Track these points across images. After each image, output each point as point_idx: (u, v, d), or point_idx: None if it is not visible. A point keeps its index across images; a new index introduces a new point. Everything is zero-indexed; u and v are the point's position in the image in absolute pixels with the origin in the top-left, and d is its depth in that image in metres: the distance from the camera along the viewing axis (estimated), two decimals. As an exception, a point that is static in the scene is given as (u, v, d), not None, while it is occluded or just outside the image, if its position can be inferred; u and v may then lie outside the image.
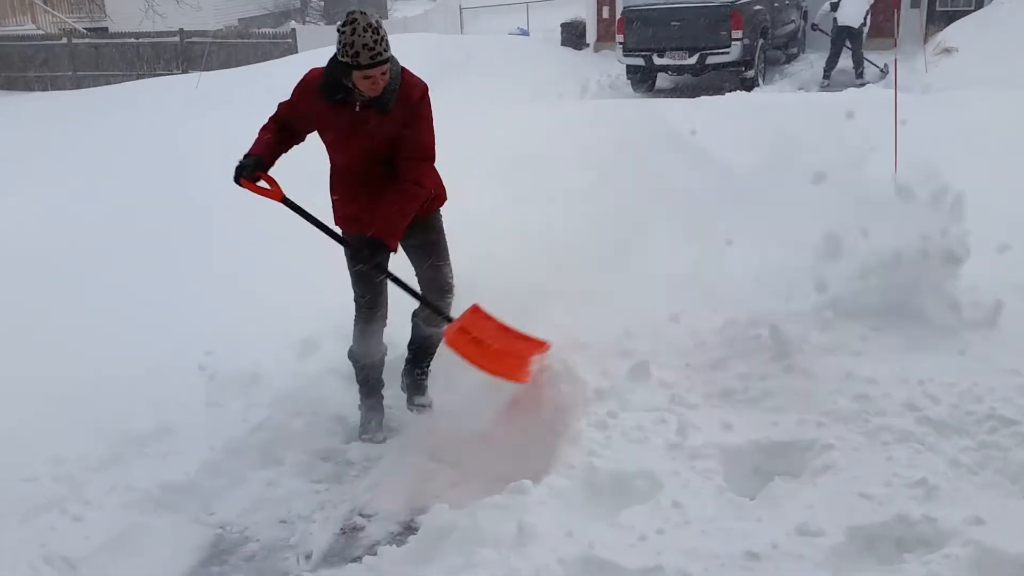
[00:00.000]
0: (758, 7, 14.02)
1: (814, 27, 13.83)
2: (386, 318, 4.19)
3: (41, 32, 24.80)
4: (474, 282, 4.24)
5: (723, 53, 13.58)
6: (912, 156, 4.78)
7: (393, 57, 3.57)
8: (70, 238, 5.75)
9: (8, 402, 3.99)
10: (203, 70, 16.05)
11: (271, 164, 3.86)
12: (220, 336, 4.70)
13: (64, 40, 22.87)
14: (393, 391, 4.48)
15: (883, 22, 14.55)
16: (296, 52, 19.34)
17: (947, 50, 13.06)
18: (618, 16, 15.16)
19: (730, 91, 11.90)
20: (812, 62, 16.03)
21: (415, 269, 4.12)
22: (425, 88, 3.78)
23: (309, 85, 3.74)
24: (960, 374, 3.69)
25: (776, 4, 14.89)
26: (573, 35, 18.92)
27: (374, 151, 3.75)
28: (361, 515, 3.73)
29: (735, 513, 3.12)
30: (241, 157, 3.78)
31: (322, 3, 30.08)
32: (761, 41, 14.11)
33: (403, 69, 3.71)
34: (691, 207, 5.66)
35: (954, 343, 3.96)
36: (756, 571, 2.82)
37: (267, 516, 3.74)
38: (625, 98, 14.26)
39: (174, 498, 3.70)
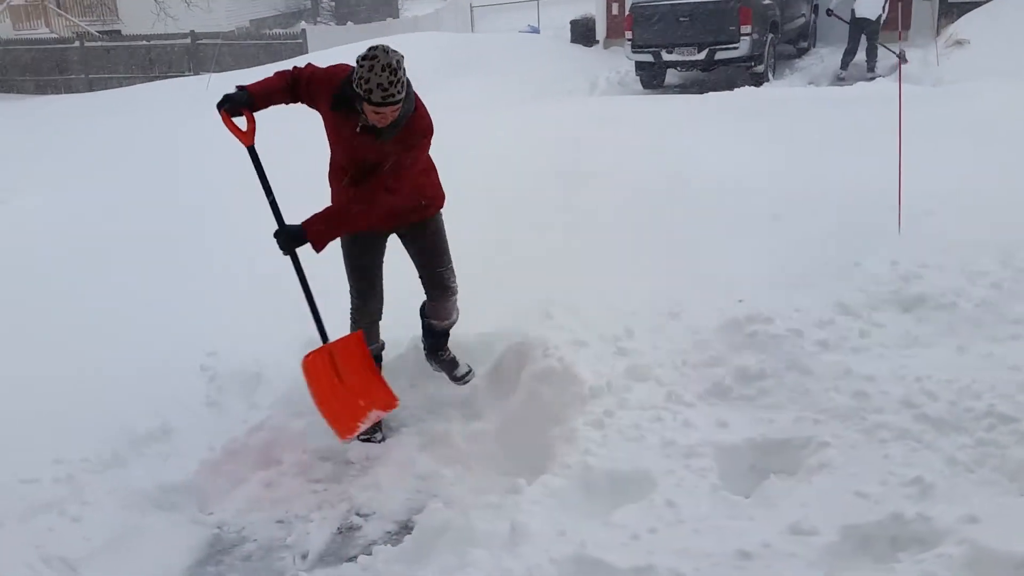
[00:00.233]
0: (767, 1, 13.92)
1: (829, 13, 13.69)
2: (381, 312, 4.21)
3: (54, 35, 25.00)
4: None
5: (732, 48, 13.48)
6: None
7: (409, 96, 3.56)
8: (71, 238, 5.79)
9: (9, 403, 4.01)
10: (213, 71, 16.14)
11: (262, 107, 3.84)
12: (222, 336, 4.72)
13: (76, 43, 23.04)
14: (393, 390, 4.48)
15: (895, 16, 14.42)
16: (306, 52, 19.42)
17: (959, 42, 12.93)
18: (627, 12, 15.09)
19: (740, 86, 11.86)
20: (823, 56, 15.89)
21: (417, 270, 4.14)
22: (428, 129, 3.75)
23: (330, 82, 3.70)
24: (959, 371, 3.66)
25: (786, -2, 14.79)
26: (582, 32, 18.88)
27: (364, 162, 3.75)
28: (359, 515, 3.73)
29: (729, 512, 3.11)
30: (235, 87, 3.80)
31: (333, 3, 30.15)
32: (771, 36, 14.00)
33: (417, 107, 3.67)
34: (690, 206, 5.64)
35: (954, 339, 3.92)
36: (748, 570, 2.82)
37: (265, 516, 3.74)
38: (634, 95, 14.22)
39: (172, 498, 3.71)
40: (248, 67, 17.25)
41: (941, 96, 8.84)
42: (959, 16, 14.42)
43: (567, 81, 15.29)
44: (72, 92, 20.34)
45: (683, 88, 14.73)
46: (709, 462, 3.37)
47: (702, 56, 13.78)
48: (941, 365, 3.71)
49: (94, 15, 26.55)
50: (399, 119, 3.55)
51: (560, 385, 3.98)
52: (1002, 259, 4.44)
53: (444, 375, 4.40)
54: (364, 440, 4.22)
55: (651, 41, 14.05)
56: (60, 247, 5.73)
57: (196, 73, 19.24)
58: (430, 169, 3.99)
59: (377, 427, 4.27)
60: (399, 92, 3.41)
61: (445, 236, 4.11)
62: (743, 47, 13.42)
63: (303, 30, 22.47)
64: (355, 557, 3.37)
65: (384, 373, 4.33)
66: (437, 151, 3.95)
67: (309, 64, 3.90)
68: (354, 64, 3.49)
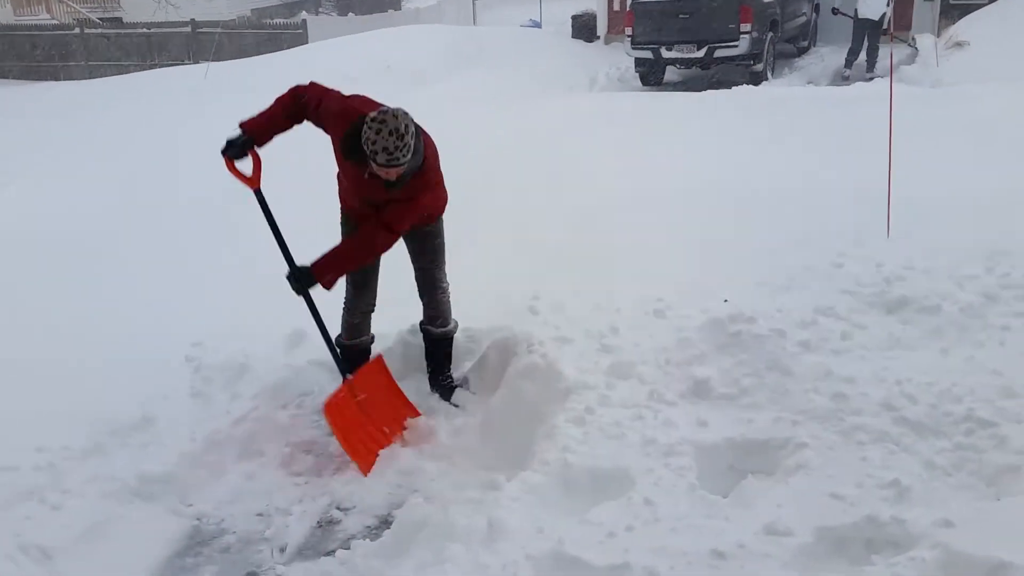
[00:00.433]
0: (768, 0, 13.90)
1: (835, 11, 13.68)
2: (374, 306, 4.23)
3: (55, 22, 24.95)
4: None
5: (731, 46, 13.46)
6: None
7: (418, 151, 3.57)
8: (58, 231, 5.80)
9: (-7, 391, 4.02)
10: (213, 60, 16.11)
11: (266, 142, 3.84)
12: (209, 327, 4.73)
13: (77, 30, 23.00)
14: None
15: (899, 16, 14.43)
16: (307, 42, 19.37)
17: (959, 44, 12.90)
18: (627, 9, 15.06)
19: (738, 85, 11.85)
20: (823, 56, 15.86)
21: (413, 265, 4.19)
22: (434, 184, 3.82)
23: (344, 117, 3.66)
24: (940, 374, 3.65)
25: (786, -3, 14.76)
26: (584, 27, 18.84)
27: (371, 199, 3.79)
28: (339, 508, 3.73)
29: (706, 511, 3.11)
30: (237, 128, 3.79)
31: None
32: (771, 34, 13.97)
33: (424, 161, 3.68)
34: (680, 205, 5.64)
35: (937, 343, 3.92)
36: (722, 570, 2.82)
37: (245, 508, 3.74)
38: (633, 91, 14.20)
39: (152, 489, 3.70)
40: (248, 56, 17.23)
41: (940, 98, 8.86)
42: (960, 17, 14.39)
43: (567, 76, 15.26)
44: (72, 79, 20.31)
45: (682, 85, 14.71)
46: (688, 461, 3.37)
47: (701, 54, 13.76)
48: (922, 368, 3.71)
49: (95, 2, 26.51)
50: (405, 174, 3.59)
51: (543, 381, 3.99)
52: (989, 264, 4.44)
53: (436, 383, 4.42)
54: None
55: (651, 38, 14.03)
56: (49, 237, 5.74)
57: (196, 61, 19.18)
58: (437, 185, 3.95)
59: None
60: (404, 156, 3.46)
61: (443, 238, 4.16)
62: (742, 45, 13.40)
63: (304, 20, 22.41)
64: (334, 551, 3.37)
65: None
66: (439, 146, 3.93)
67: (313, 84, 3.87)
68: (366, 108, 3.55)
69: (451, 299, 4.28)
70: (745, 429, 3.52)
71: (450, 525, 3.19)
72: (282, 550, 3.48)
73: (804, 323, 4.06)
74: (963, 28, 13.54)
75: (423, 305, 4.27)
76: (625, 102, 10.79)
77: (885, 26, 13.30)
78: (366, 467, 3.89)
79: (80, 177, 7.07)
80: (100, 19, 25.14)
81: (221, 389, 4.37)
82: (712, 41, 13.55)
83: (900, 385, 3.59)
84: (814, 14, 16.65)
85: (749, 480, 3.24)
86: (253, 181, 3.84)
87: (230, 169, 3.80)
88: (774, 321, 4.04)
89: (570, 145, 7.63)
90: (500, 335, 4.38)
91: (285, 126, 3.86)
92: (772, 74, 14.24)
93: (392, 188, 3.63)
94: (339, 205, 4.09)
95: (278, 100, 3.85)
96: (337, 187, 4.05)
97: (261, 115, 3.83)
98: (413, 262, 4.18)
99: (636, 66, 14.86)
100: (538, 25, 22.52)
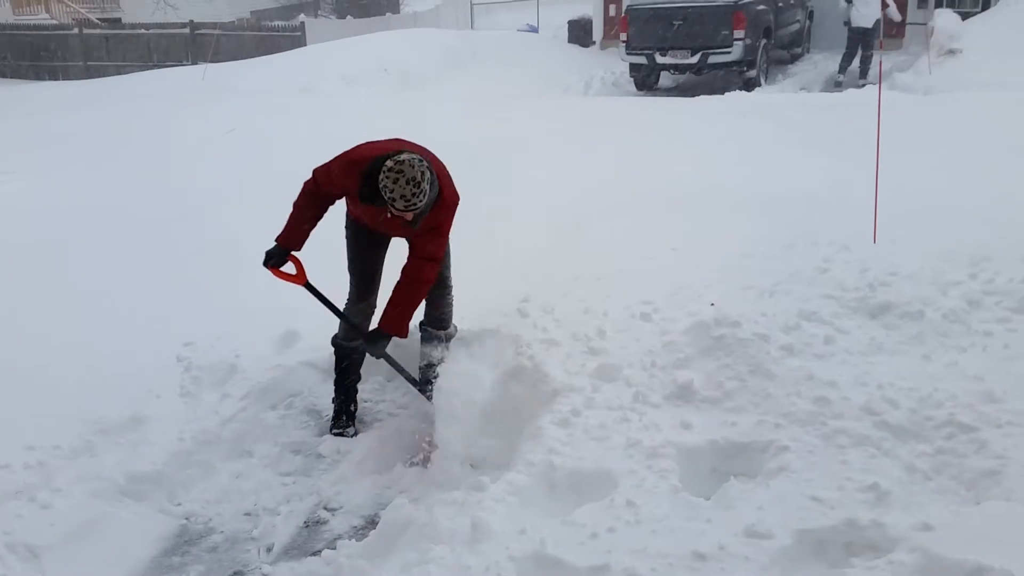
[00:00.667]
0: (761, 7, 13.95)
1: (847, 24, 13.80)
2: (374, 308, 4.24)
3: (54, 22, 24.96)
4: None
5: (725, 53, 13.53)
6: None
7: (434, 184, 3.65)
8: (51, 229, 5.82)
9: (-16, 390, 4.04)
10: (211, 61, 16.13)
11: (300, 244, 4.03)
12: (201, 327, 4.75)
13: (76, 30, 23.01)
14: (369, 386, 4.52)
15: (891, 25, 14.47)
16: (305, 45, 19.41)
17: (952, 51, 12.94)
18: (622, 14, 15.12)
19: (731, 91, 11.90)
20: (816, 62, 15.93)
21: None
22: (454, 205, 3.88)
23: (354, 166, 3.76)
24: (922, 379, 3.69)
25: (780, 4, 14.80)
26: (580, 32, 18.92)
27: (394, 234, 3.96)
28: (326, 508, 3.76)
29: (687, 513, 3.14)
30: (274, 241, 3.98)
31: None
32: (764, 41, 14.04)
33: (441, 190, 3.75)
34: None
35: (919, 348, 3.95)
36: (702, 572, 2.85)
37: (233, 508, 3.78)
38: (627, 96, 14.26)
39: (141, 488, 3.73)
40: (245, 58, 17.25)
41: (932, 105, 8.91)
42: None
43: (562, 80, 15.36)
44: (70, 79, 20.32)
45: (676, 91, 14.77)
46: (671, 463, 3.39)
47: (695, 60, 13.82)
48: (904, 373, 3.74)
49: (94, 2, 26.52)
50: (424, 209, 3.67)
51: (530, 383, 4.02)
52: (973, 271, 4.47)
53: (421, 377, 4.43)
54: (336, 434, 4.26)
55: (645, 43, 14.09)
56: (42, 235, 5.76)
57: (194, 62, 19.21)
58: (455, 204, 3.98)
59: (350, 422, 4.31)
60: (421, 201, 3.55)
61: (447, 238, 4.17)
62: (736, 51, 13.46)
63: (302, 23, 22.44)
64: (319, 551, 3.40)
65: (363, 368, 4.36)
66: (436, 146, 3.98)
67: (314, 171, 3.96)
68: (374, 152, 3.67)
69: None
70: (728, 432, 3.55)
71: (434, 526, 3.22)
72: (269, 549, 3.52)
73: (788, 327, 4.09)
74: (955, 34, 13.58)
75: (426, 305, 4.30)
76: (619, 106, 10.84)
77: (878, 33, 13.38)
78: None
79: (74, 176, 7.08)
80: (99, 19, 25.15)
81: (211, 389, 4.40)
82: (706, 47, 13.62)
83: (882, 390, 3.62)
84: (808, 21, 16.72)
85: (732, 482, 3.27)
86: (299, 278, 4.09)
87: (277, 276, 4.05)
88: (758, 325, 4.06)
89: (562, 148, 7.68)
90: (488, 337, 4.40)
91: (312, 220, 4.02)
92: (765, 80, 14.29)
93: (413, 226, 3.73)
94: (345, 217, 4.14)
95: (294, 203, 4.01)
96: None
97: (287, 225, 4.02)
98: None
99: (631, 71, 14.93)
100: (535, 30, 22.58)
